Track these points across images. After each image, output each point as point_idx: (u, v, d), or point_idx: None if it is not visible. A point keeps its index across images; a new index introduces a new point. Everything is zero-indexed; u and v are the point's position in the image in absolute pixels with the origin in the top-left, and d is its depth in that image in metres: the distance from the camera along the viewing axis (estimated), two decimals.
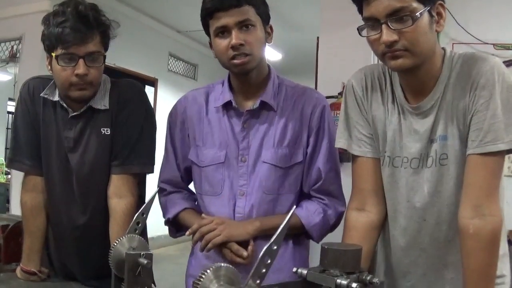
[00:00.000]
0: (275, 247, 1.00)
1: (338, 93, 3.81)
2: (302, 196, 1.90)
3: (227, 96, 1.86)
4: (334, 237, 1.84)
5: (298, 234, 1.87)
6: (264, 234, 1.78)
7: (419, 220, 1.61)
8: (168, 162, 2.01)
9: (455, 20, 3.66)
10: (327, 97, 1.95)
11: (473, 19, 3.79)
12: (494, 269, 1.45)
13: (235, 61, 1.75)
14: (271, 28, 1.86)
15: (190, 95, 2.00)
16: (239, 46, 1.72)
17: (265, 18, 1.82)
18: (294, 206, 1.21)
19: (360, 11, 1.51)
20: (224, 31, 1.74)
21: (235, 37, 1.72)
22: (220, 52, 1.77)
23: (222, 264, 1.04)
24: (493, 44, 3.79)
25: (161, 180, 2.02)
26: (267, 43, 1.85)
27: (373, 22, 1.45)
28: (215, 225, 1.75)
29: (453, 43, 3.78)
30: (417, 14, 1.40)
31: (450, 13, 3.37)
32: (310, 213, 1.83)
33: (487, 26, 3.79)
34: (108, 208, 1.99)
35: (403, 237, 1.65)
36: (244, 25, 1.73)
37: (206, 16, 1.78)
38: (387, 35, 1.42)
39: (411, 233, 1.63)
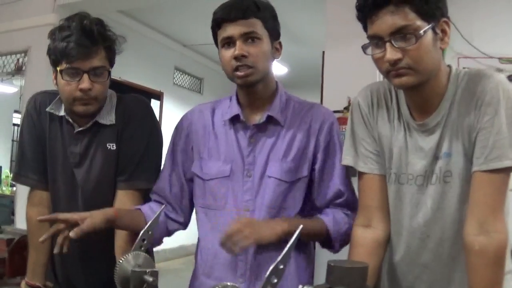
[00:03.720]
0: (282, 267, 1.00)
1: (344, 108, 3.80)
2: (303, 212, 1.85)
3: (235, 109, 1.86)
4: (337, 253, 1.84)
5: (304, 248, 1.86)
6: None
7: (423, 237, 1.60)
8: (162, 173, 1.98)
9: (461, 35, 3.65)
10: (333, 112, 1.94)
11: (479, 33, 3.79)
12: (500, 286, 1.44)
13: (238, 72, 1.76)
14: (280, 44, 1.87)
15: (197, 109, 2.00)
16: (242, 57, 1.73)
17: (274, 33, 1.83)
18: (301, 226, 1.20)
19: (365, 29, 1.52)
20: (229, 42, 1.76)
21: (238, 48, 1.73)
22: (225, 62, 1.79)
23: (228, 283, 1.04)
24: (499, 58, 3.79)
25: (153, 191, 1.98)
26: (274, 59, 1.85)
27: (377, 40, 1.47)
28: (243, 227, 1.64)
29: (458, 57, 3.77)
30: (421, 32, 1.41)
31: (456, 27, 3.37)
32: (337, 221, 1.79)
33: (493, 40, 3.79)
34: None
35: (407, 253, 1.65)
36: (249, 37, 1.75)
37: (215, 26, 1.81)
38: (391, 54, 1.43)
39: (415, 249, 1.63)
